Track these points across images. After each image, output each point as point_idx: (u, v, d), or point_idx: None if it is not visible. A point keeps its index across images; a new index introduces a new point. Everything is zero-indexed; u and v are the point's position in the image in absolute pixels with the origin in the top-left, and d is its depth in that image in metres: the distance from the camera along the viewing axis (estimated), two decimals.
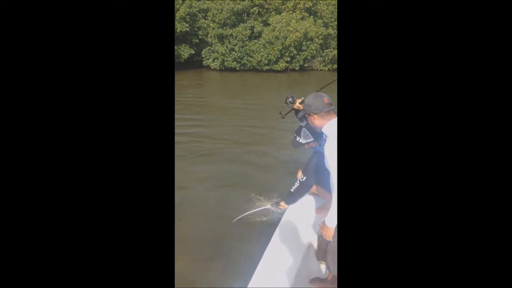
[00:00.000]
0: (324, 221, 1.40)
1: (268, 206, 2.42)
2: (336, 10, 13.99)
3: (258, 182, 3.19)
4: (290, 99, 2.19)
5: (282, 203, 2.37)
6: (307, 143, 2.07)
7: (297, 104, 2.11)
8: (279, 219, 2.29)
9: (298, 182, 2.24)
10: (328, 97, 1.48)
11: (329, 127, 1.42)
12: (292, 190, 2.25)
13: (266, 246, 1.79)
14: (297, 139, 2.13)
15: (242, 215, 2.31)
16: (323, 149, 1.46)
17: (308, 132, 2.03)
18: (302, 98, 2.12)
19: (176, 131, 4.99)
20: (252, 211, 2.35)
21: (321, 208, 2.19)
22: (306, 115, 1.65)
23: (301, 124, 2.14)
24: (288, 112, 2.30)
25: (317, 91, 2.01)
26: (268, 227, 2.25)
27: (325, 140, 1.49)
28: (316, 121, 1.50)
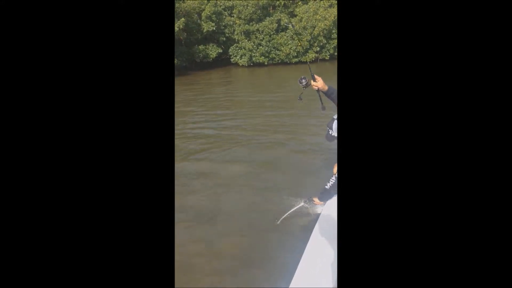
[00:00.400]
0: None
1: (302, 203, 2.38)
2: None
3: (295, 167, 3.26)
4: (304, 81, 2.10)
5: (316, 199, 2.32)
6: None
7: (313, 83, 2.02)
8: (316, 215, 2.25)
9: (334, 178, 2.16)
10: None
11: None
12: (327, 187, 2.18)
13: (306, 241, 1.76)
14: (330, 133, 2.05)
15: (283, 217, 2.31)
16: None
17: None
18: (312, 74, 2.03)
19: (207, 125, 5.15)
20: (290, 211, 2.33)
21: None
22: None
23: (334, 117, 2.06)
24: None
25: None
26: (307, 223, 2.23)
27: None
28: None
